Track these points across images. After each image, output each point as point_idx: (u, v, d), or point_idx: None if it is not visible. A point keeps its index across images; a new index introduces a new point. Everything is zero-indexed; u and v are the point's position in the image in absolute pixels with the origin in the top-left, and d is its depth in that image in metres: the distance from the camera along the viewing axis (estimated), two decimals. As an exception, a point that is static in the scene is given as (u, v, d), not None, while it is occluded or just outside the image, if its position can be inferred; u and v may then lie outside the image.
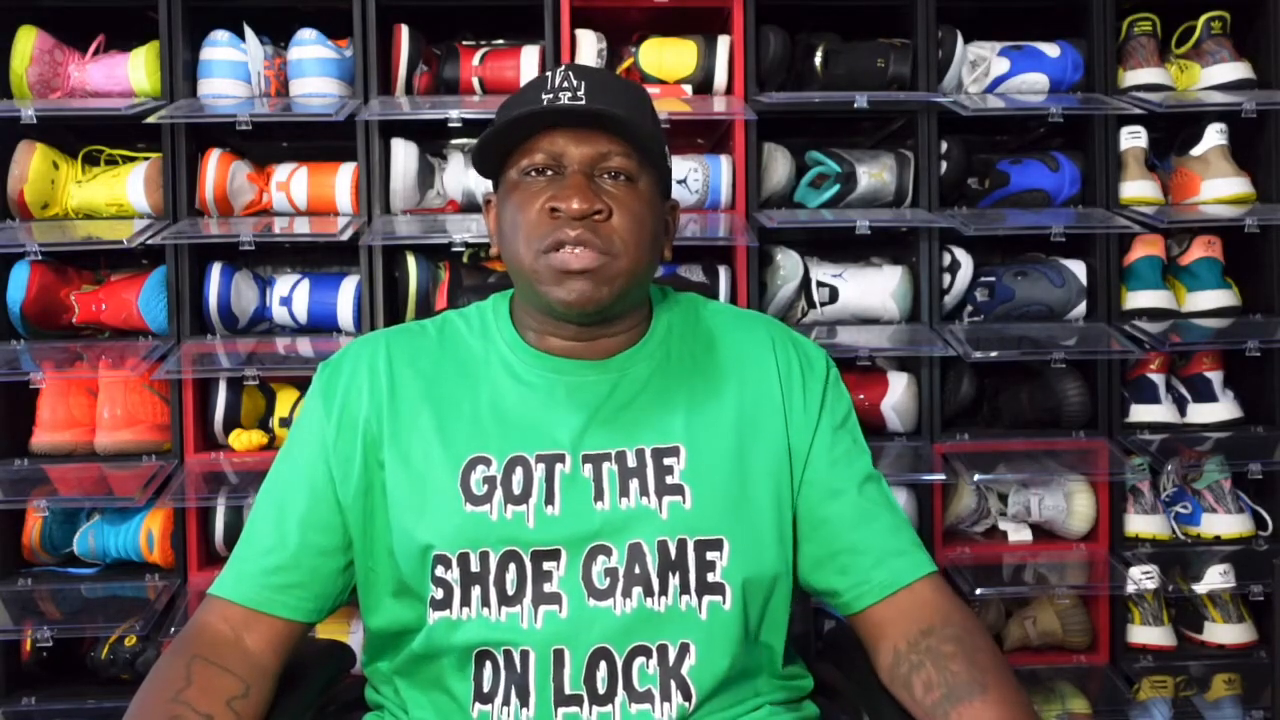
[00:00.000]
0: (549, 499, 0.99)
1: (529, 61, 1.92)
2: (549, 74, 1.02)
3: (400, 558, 1.00)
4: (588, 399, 1.03)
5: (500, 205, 1.05)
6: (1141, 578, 1.88)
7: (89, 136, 1.96)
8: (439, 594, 0.98)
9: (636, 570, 0.97)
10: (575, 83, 0.99)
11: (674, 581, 0.98)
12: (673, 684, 0.96)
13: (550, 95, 0.99)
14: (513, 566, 0.97)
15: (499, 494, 0.99)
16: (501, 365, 1.06)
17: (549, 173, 1.00)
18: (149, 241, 1.78)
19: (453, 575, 0.98)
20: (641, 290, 1.06)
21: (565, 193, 0.97)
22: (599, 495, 0.99)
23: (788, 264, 1.93)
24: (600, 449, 1.01)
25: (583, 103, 0.98)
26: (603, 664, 0.96)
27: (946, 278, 1.95)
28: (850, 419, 1.10)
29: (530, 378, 1.04)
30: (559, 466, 1.00)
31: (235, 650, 0.98)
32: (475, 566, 0.98)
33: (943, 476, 1.85)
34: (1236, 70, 1.98)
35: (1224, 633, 1.96)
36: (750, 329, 1.12)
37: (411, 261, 1.89)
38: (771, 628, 1.05)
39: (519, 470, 1.00)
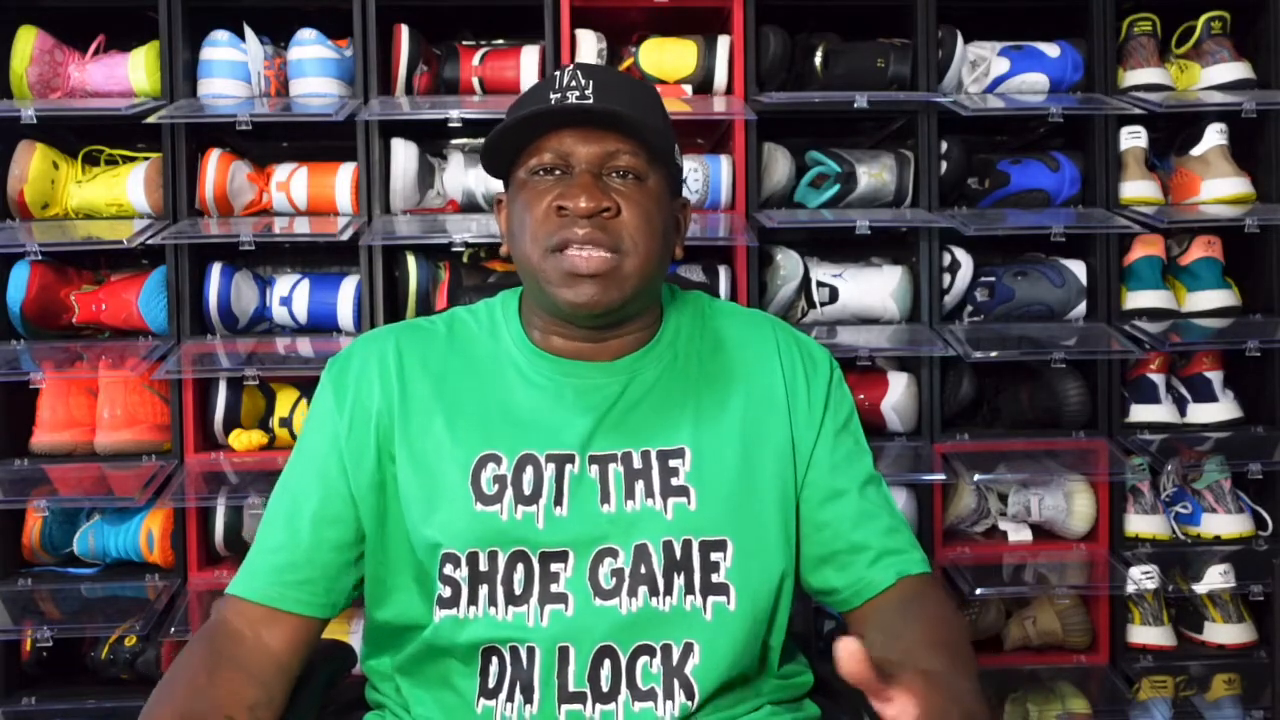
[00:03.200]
0: (558, 499, 0.99)
1: (529, 61, 1.92)
2: (557, 73, 1.01)
3: (417, 550, 1.01)
4: (595, 402, 1.03)
5: (510, 204, 1.05)
6: (1141, 578, 1.88)
7: (89, 136, 1.96)
8: (446, 592, 0.98)
9: (642, 570, 0.97)
10: (583, 82, 0.99)
11: (679, 582, 0.98)
12: (676, 683, 0.97)
13: (558, 94, 0.98)
14: (520, 567, 0.97)
15: (509, 494, 0.99)
16: (510, 364, 1.06)
17: (557, 172, 1.00)
18: (149, 241, 1.78)
19: (461, 574, 0.98)
20: (653, 290, 1.05)
21: (572, 191, 0.97)
22: (605, 498, 0.99)
23: (788, 264, 1.93)
24: (607, 450, 1.01)
25: (590, 101, 0.97)
26: (606, 662, 0.96)
27: (946, 278, 1.95)
28: (853, 420, 1.11)
29: (538, 379, 1.04)
30: (568, 467, 1.00)
31: (257, 652, 0.98)
32: (484, 566, 0.98)
33: (943, 476, 1.85)
34: (1236, 70, 1.98)
35: (1224, 633, 1.96)
36: (756, 329, 1.11)
37: (411, 261, 1.89)
38: (778, 629, 1.05)
39: (530, 469, 1.00)
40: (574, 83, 0.99)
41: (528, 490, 0.99)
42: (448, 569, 0.98)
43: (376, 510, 1.02)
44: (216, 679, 0.94)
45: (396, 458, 1.01)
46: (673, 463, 1.01)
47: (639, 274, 0.99)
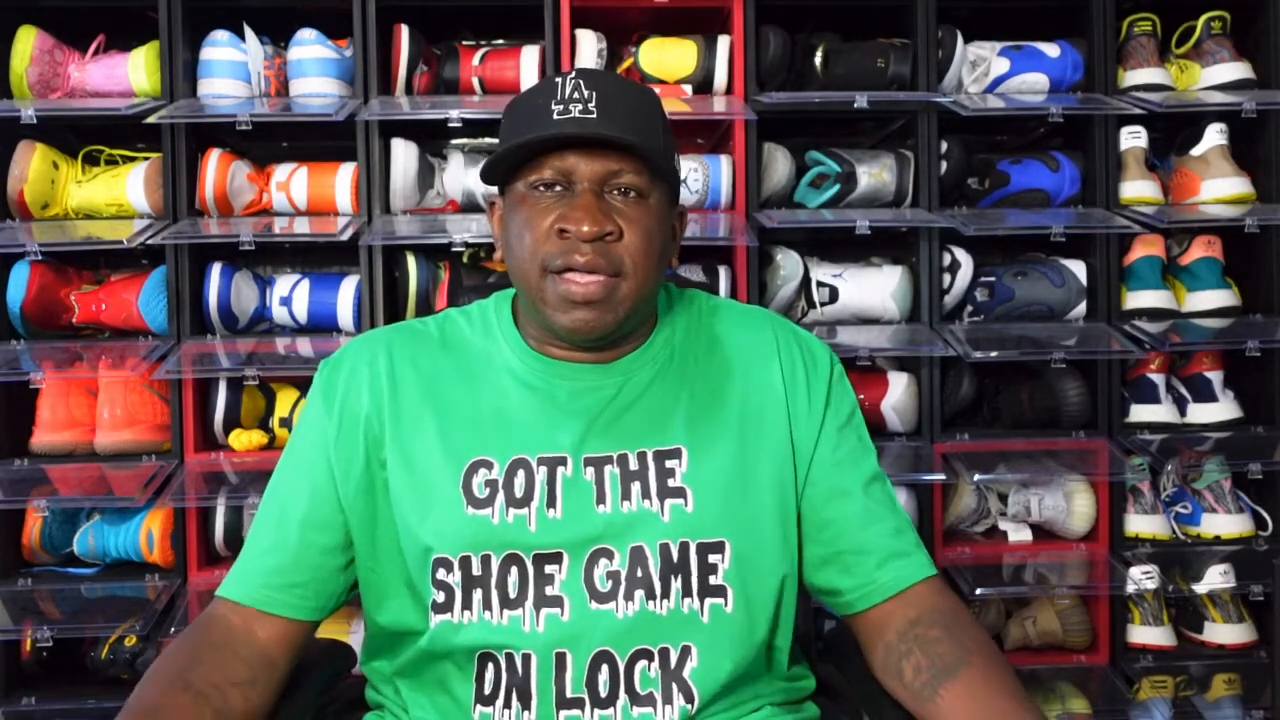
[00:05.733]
0: (550, 502, 0.98)
1: (529, 61, 1.91)
2: (558, 81, 0.98)
3: (407, 556, 1.00)
4: (590, 403, 1.02)
5: (507, 215, 1.02)
6: (1141, 578, 1.88)
7: (89, 136, 1.96)
8: (440, 597, 0.98)
9: (638, 573, 0.97)
10: (586, 94, 0.96)
11: (676, 584, 0.97)
12: (674, 686, 0.96)
13: (560, 106, 0.96)
14: (514, 570, 0.97)
15: (501, 497, 0.98)
16: (504, 366, 1.05)
17: (557, 188, 0.98)
18: (149, 241, 1.78)
19: (454, 578, 0.98)
20: (648, 306, 1.04)
21: (575, 215, 0.95)
22: (600, 499, 0.99)
23: (788, 264, 1.93)
24: (602, 452, 1.00)
25: (594, 116, 0.95)
26: (604, 667, 0.96)
27: (946, 278, 1.95)
28: (855, 416, 1.09)
29: (533, 380, 1.04)
30: (561, 469, 0.99)
31: (245, 639, 0.99)
32: (477, 570, 0.97)
33: (943, 476, 1.85)
34: (1236, 70, 1.98)
35: (1224, 633, 1.96)
36: (754, 327, 1.10)
37: (411, 261, 1.89)
38: (782, 631, 1.05)
39: (521, 473, 0.99)
40: (576, 95, 0.96)
41: (519, 493, 0.98)
42: (440, 574, 0.98)
43: (366, 515, 1.02)
44: (205, 659, 0.96)
45: (387, 463, 1.01)
46: (669, 463, 1.00)
47: (635, 296, 0.98)
